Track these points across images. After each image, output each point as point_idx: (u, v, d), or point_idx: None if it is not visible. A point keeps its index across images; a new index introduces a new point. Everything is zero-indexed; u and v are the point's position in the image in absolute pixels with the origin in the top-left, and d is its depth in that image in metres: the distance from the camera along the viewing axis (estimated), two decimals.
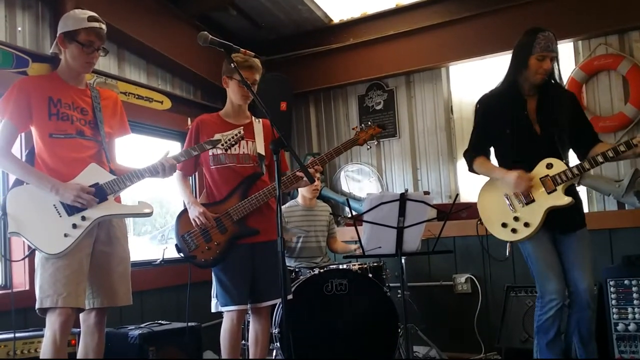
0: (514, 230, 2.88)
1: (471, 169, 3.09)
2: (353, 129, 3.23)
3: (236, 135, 2.84)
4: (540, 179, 2.87)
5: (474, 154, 3.05)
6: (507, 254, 3.04)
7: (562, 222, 2.87)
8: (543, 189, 2.86)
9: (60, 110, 2.57)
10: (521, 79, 2.97)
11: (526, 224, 2.85)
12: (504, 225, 2.90)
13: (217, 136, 2.88)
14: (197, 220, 2.90)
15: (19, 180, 2.53)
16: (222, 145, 2.81)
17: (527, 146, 2.93)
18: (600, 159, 2.81)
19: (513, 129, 2.94)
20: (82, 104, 2.65)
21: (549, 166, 2.88)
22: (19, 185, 2.52)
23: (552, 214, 2.84)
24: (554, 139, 2.91)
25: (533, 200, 2.87)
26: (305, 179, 2.85)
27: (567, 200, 2.84)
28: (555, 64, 2.94)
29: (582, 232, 2.93)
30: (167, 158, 2.64)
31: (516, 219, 2.88)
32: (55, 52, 2.68)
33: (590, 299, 2.82)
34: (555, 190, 2.84)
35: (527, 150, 2.92)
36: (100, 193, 2.53)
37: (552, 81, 2.98)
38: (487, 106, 3.04)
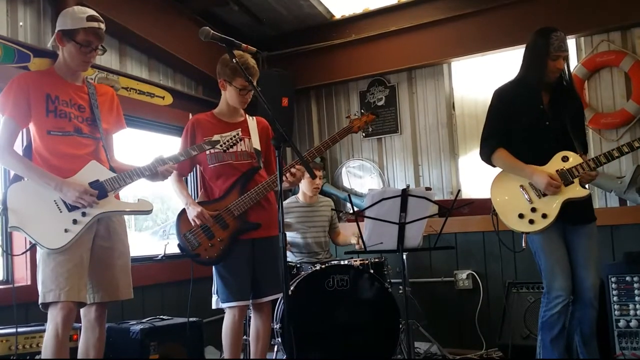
0: (531, 222, 2.86)
1: (488, 159, 3.03)
2: (347, 117, 3.24)
3: (234, 137, 2.88)
4: (556, 171, 2.87)
5: (496, 143, 2.99)
6: (524, 245, 3.02)
7: (574, 214, 2.87)
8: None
9: (58, 108, 2.56)
10: (536, 78, 2.97)
11: (544, 215, 2.84)
12: (521, 216, 2.88)
13: (215, 137, 2.89)
14: (196, 220, 2.91)
15: (19, 175, 2.52)
16: (221, 146, 2.84)
17: (541, 138, 2.94)
18: (615, 153, 2.83)
19: (529, 119, 2.95)
20: (79, 101, 2.65)
21: (565, 159, 2.89)
22: (20, 180, 2.52)
23: (565, 206, 2.84)
24: (567, 132, 2.92)
25: None
26: (298, 176, 2.92)
27: (584, 192, 2.85)
28: (565, 62, 2.95)
29: (592, 227, 2.93)
30: (166, 166, 2.64)
31: (533, 210, 2.87)
32: (53, 46, 2.67)
33: (593, 297, 2.83)
34: (572, 182, 2.85)
35: (541, 141, 2.93)
36: (100, 190, 2.53)
37: (564, 82, 3.00)
38: (505, 95, 3.04)
